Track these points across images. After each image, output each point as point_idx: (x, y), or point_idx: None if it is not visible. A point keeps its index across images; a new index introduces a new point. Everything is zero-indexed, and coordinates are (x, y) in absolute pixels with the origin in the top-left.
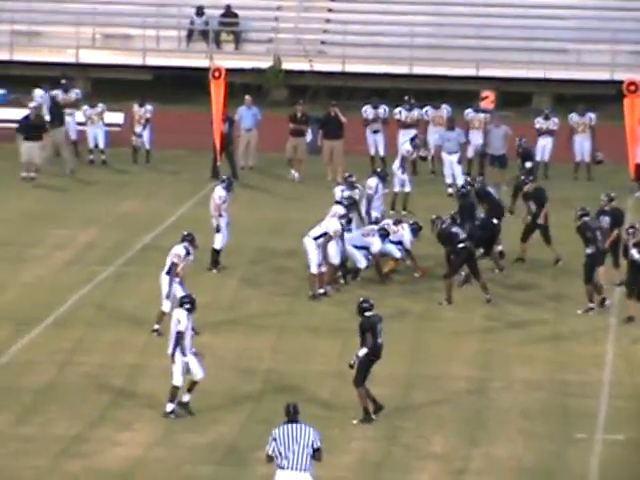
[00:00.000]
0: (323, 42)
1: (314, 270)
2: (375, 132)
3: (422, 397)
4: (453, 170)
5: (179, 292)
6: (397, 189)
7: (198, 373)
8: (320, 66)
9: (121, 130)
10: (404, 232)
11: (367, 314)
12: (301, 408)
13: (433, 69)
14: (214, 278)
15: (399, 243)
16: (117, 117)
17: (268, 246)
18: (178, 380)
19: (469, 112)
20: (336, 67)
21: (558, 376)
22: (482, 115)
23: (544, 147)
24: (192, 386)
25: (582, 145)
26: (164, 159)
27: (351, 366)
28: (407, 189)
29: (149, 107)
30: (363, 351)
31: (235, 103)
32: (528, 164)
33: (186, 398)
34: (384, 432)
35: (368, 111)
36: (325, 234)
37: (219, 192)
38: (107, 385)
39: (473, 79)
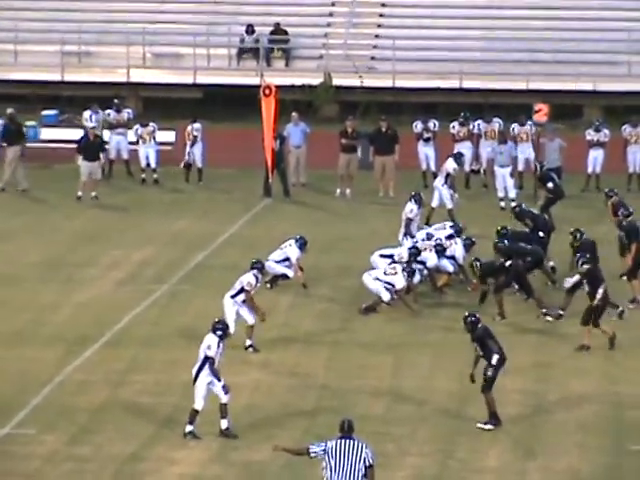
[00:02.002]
0: (373, 58)
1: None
2: (426, 141)
3: (477, 411)
4: (505, 183)
5: (248, 318)
6: (435, 204)
7: (223, 396)
8: (370, 82)
9: (172, 149)
10: (457, 247)
11: (478, 327)
12: (355, 424)
13: (483, 83)
14: (268, 294)
15: (452, 258)
16: (168, 136)
17: (321, 263)
18: (199, 404)
19: (514, 126)
20: (386, 82)
21: (612, 388)
22: (528, 127)
23: (595, 159)
24: (223, 409)
25: (635, 156)
26: (216, 177)
27: (487, 379)
28: (449, 205)
29: (197, 125)
30: (495, 358)
31: (286, 120)
32: (550, 184)
33: (224, 425)
34: (439, 447)
35: (419, 126)
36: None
37: (295, 252)
38: (162, 403)
39: (523, 92)
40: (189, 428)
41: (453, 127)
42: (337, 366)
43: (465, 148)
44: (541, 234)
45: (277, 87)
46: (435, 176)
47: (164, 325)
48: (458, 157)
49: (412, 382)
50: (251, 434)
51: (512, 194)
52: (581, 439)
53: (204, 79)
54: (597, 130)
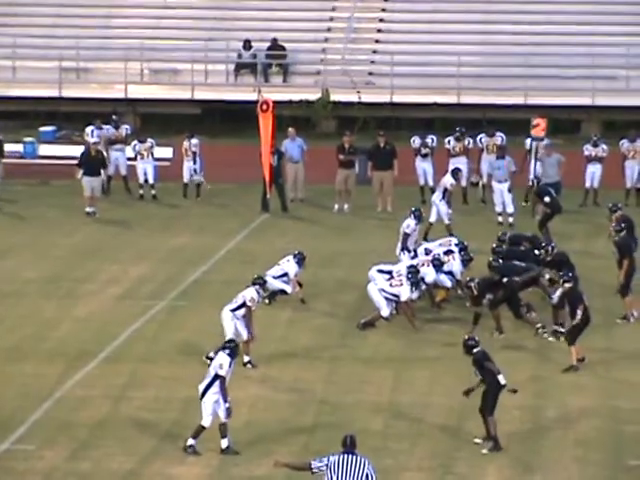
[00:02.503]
0: (370, 73)
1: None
2: (424, 157)
3: (475, 427)
4: (503, 198)
5: (243, 333)
6: (433, 219)
7: (223, 417)
8: (368, 97)
9: (170, 165)
10: (454, 262)
11: (475, 351)
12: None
13: (481, 98)
14: (267, 310)
15: (449, 273)
16: (166, 152)
17: (319, 278)
18: (207, 421)
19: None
20: (384, 98)
21: (610, 403)
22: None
23: (593, 174)
24: (223, 429)
25: (633, 171)
26: (214, 193)
27: (515, 390)
28: (447, 221)
29: (194, 141)
30: (501, 377)
31: (283, 135)
32: (547, 199)
33: (224, 444)
34: (438, 462)
35: (416, 141)
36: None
37: (294, 268)
38: (161, 419)
39: (521, 107)
40: (191, 442)
41: (449, 142)
42: (336, 381)
43: (461, 163)
44: (537, 252)
45: (275, 103)
46: (433, 191)
47: (162, 341)
48: (455, 172)
49: (411, 397)
50: (250, 450)
51: (510, 209)
52: (580, 454)
53: (202, 95)
54: (595, 145)
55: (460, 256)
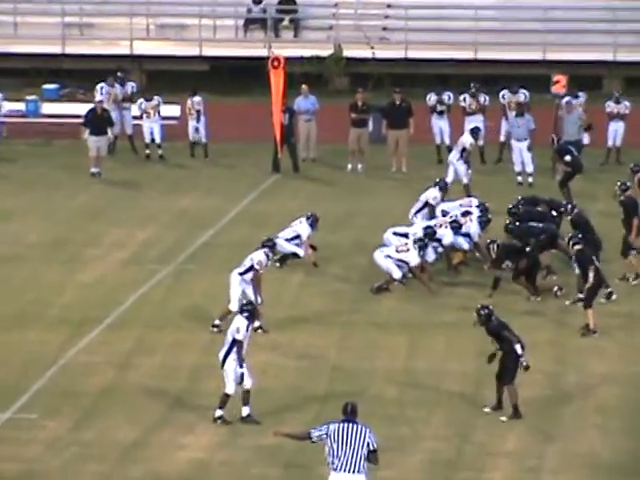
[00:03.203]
0: (384, 28)
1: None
2: (440, 114)
3: (493, 394)
4: (523, 158)
5: (253, 298)
6: (450, 179)
7: (248, 382)
8: (382, 53)
9: (178, 124)
10: (472, 224)
11: (492, 318)
12: (368, 406)
13: (498, 54)
14: (278, 273)
15: (467, 235)
16: (173, 110)
17: (332, 240)
18: (231, 388)
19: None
20: (398, 54)
21: (631, 369)
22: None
23: (616, 132)
24: (246, 396)
25: None
26: (223, 153)
27: (527, 367)
28: (465, 181)
29: (197, 99)
30: (519, 346)
31: (295, 93)
32: (567, 157)
33: (245, 411)
34: (455, 430)
35: (432, 99)
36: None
37: (306, 230)
38: (168, 387)
39: (540, 63)
40: (219, 413)
41: (464, 100)
42: (349, 347)
43: (477, 121)
44: (554, 213)
45: (286, 59)
46: (450, 150)
47: (169, 306)
48: (475, 131)
49: (427, 364)
50: (260, 419)
51: (529, 168)
52: (600, 422)
53: (210, 51)
54: (617, 102)
55: (478, 217)
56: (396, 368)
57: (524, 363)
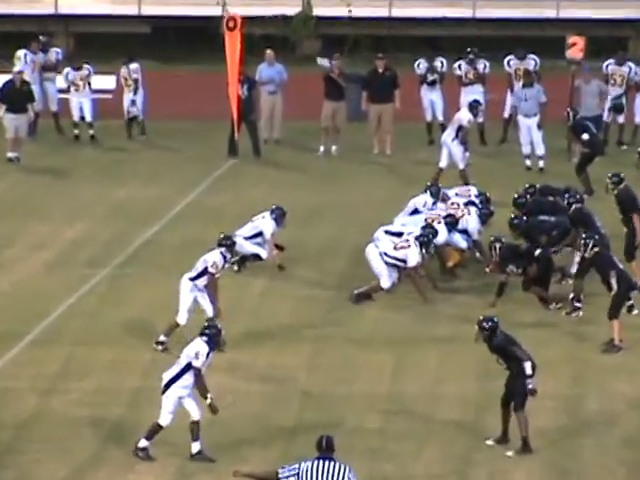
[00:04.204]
0: None
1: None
2: (431, 85)
3: (498, 423)
4: (532, 137)
5: (208, 308)
6: (444, 164)
7: (195, 412)
8: (360, 11)
9: (113, 98)
10: (470, 218)
11: (498, 332)
12: (347, 440)
13: (501, 11)
14: (236, 278)
15: (464, 232)
16: (107, 82)
17: (301, 237)
18: (166, 419)
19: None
20: (380, 11)
21: None
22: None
23: None
24: (195, 429)
25: None
26: (168, 133)
27: (534, 391)
28: (461, 166)
29: (134, 66)
30: (529, 365)
31: (255, 60)
32: (585, 136)
33: (196, 448)
34: (452, 467)
35: (422, 66)
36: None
37: (270, 226)
38: (104, 416)
39: (553, 22)
40: (144, 443)
41: (459, 67)
42: (323, 368)
43: (476, 93)
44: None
45: (243, 19)
46: (443, 129)
47: (104, 319)
48: (473, 106)
49: (417, 387)
50: (215, 455)
51: (540, 150)
52: (629, 457)
53: (152, 9)
54: None
55: (478, 210)
56: (379, 393)
57: (530, 386)
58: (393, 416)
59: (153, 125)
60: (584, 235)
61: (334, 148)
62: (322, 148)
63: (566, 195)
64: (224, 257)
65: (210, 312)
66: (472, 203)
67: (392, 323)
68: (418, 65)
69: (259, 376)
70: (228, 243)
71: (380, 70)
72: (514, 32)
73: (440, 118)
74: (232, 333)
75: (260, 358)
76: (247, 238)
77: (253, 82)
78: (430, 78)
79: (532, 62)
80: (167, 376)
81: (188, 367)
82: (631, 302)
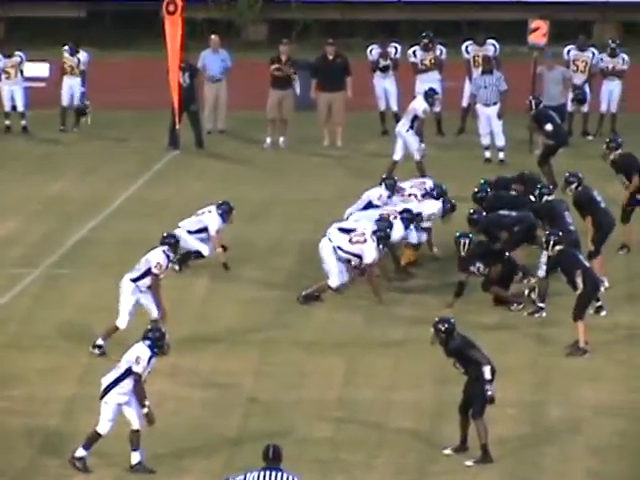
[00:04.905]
0: None
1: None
2: (384, 71)
3: (455, 431)
4: (492, 127)
5: (152, 310)
6: (398, 156)
7: (135, 421)
8: None
9: (46, 86)
10: (427, 207)
11: (455, 335)
12: (295, 449)
13: None
14: (176, 279)
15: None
16: (40, 69)
17: (247, 235)
18: (104, 427)
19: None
20: None
21: (633, 396)
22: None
23: (611, 93)
24: (135, 438)
25: None
26: (105, 123)
27: (492, 399)
28: (417, 157)
29: (83, 55)
30: (488, 370)
31: (198, 46)
32: (548, 127)
33: (135, 458)
34: (409, 478)
35: (374, 52)
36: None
37: (216, 222)
38: (37, 425)
39: (514, 5)
40: (81, 453)
41: (414, 54)
42: (269, 373)
43: (432, 81)
44: (532, 197)
45: (185, 2)
46: (397, 118)
47: (38, 322)
48: (430, 94)
49: (369, 393)
50: (155, 466)
51: (500, 141)
52: (595, 466)
53: None
54: (612, 55)
55: (442, 202)
56: (330, 399)
57: (489, 392)
58: (344, 424)
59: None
60: (547, 232)
61: (282, 139)
62: (269, 139)
63: (538, 186)
64: (167, 256)
65: (154, 313)
66: (430, 195)
67: (343, 325)
68: (370, 51)
69: (202, 382)
70: (172, 241)
71: (330, 57)
72: (473, 15)
73: (394, 107)
74: (174, 337)
75: (203, 363)
76: (191, 232)
77: (195, 70)
78: (382, 64)
79: (492, 48)
80: (106, 381)
81: (128, 372)
82: (599, 303)
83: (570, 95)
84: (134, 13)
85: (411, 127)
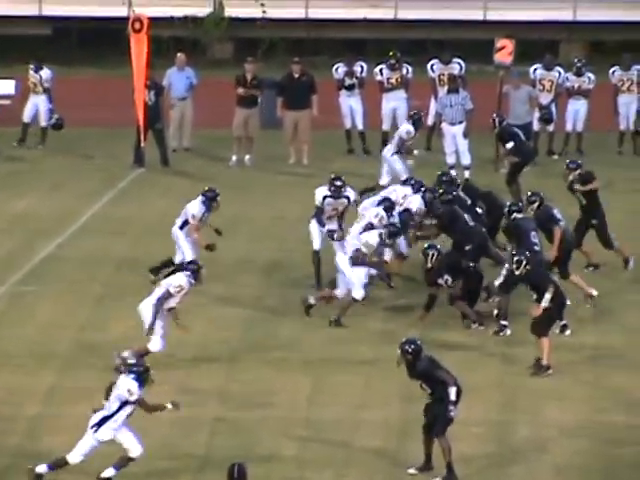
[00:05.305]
0: None
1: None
2: (350, 89)
3: (420, 450)
4: (457, 146)
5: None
6: (385, 181)
7: (135, 447)
8: (275, 12)
9: (11, 104)
10: (411, 202)
11: (422, 356)
12: (261, 468)
13: (425, 12)
14: (140, 297)
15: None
16: (6, 86)
17: (213, 253)
18: (76, 458)
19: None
20: (297, 12)
21: (599, 417)
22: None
23: (576, 112)
24: (124, 461)
25: (629, 108)
26: (70, 140)
27: (447, 421)
28: (404, 177)
29: (46, 73)
30: (453, 391)
31: (164, 64)
32: (509, 145)
33: (109, 474)
34: None
35: (340, 70)
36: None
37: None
38: (0, 446)
39: (480, 24)
40: (41, 469)
41: (381, 72)
42: (235, 391)
43: (398, 99)
44: (479, 210)
45: (151, 20)
46: (363, 137)
47: (3, 339)
48: (416, 118)
49: (335, 412)
50: None
51: (466, 160)
52: None
53: (53, 9)
54: (578, 74)
55: (421, 194)
56: (296, 418)
57: (452, 414)
58: (311, 443)
59: (54, 132)
60: (514, 252)
61: (247, 158)
62: (234, 158)
63: (507, 204)
64: (190, 282)
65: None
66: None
67: (309, 343)
68: (336, 69)
69: (167, 400)
70: (195, 267)
71: (296, 75)
72: (439, 35)
73: (360, 126)
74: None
75: (170, 381)
76: (181, 228)
77: (161, 88)
78: (348, 82)
79: (457, 66)
80: (94, 419)
81: (123, 405)
82: (564, 322)
83: (536, 114)
84: (100, 31)
85: (396, 152)
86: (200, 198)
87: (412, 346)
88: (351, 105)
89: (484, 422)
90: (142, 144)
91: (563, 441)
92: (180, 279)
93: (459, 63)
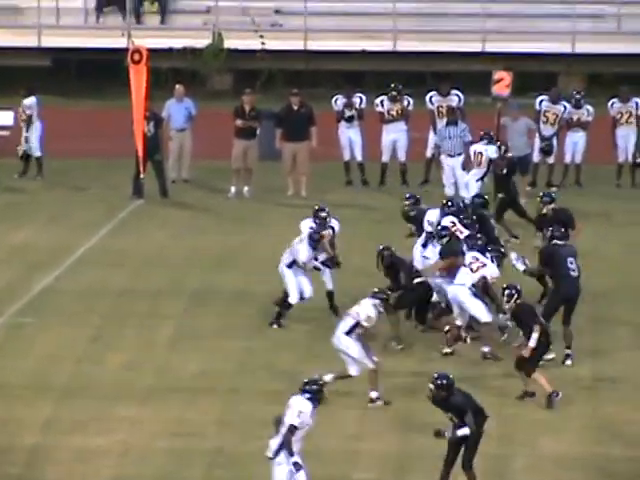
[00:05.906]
0: (277, 11)
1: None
2: (349, 121)
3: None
4: (456, 177)
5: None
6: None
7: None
8: (274, 43)
9: (10, 135)
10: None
11: (454, 389)
12: None
13: (424, 45)
14: (142, 328)
15: None
16: (4, 118)
17: (211, 284)
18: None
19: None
20: (295, 44)
21: (596, 449)
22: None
23: (575, 144)
24: None
25: (627, 140)
26: (68, 172)
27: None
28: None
29: (28, 101)
30: (464, 431)
31: (163, 95)
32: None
33: None
34: None
35: (339, 102)
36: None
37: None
38: None
39: (478, 56)
40: None
41: (381, 103)
42: (234, 422)
43: (397, 131)
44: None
45: (150, 51)
46: (362, 169)
47: (1, 371)
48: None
49: (334, 443)
50: None
51: (465, 192)
52: None
53: (52, 41)
54: (577, 106)
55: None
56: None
57: (446, 434)
58: (311, 471)
59: (53, 164)
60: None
61: (246, 189)
62: (233, 189)
63: (550, 228)
64: (377, 310)
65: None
66: None
67: (308, 375)
68: (335, 101)
69: (165, 432)
70: (383, 297)
71: (295, 106)
72: (437, 67)
73: (359, 158)
74: (137, 386)
75: (166, 412)
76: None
77: (160, 119)
78: (347, 114)
79: (456, 98)
80: (273, 449)
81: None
82: (568, 352)
83: (537, 145)
84: (99, 62)
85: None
86: (307, 241)
87: (444, 380)
88: (350, 137)
89: (482, 455)
90: (141, 175)
91: (560, 473)
92: (369, 310)
93: (457, 95)
